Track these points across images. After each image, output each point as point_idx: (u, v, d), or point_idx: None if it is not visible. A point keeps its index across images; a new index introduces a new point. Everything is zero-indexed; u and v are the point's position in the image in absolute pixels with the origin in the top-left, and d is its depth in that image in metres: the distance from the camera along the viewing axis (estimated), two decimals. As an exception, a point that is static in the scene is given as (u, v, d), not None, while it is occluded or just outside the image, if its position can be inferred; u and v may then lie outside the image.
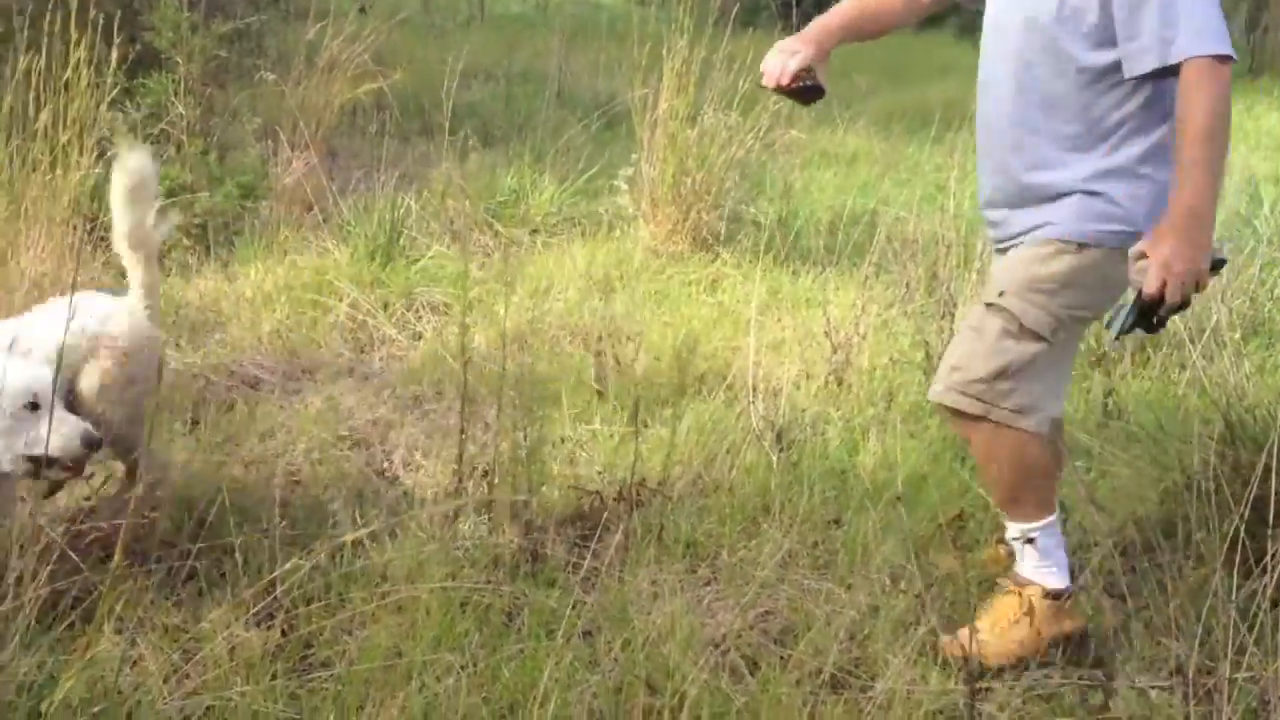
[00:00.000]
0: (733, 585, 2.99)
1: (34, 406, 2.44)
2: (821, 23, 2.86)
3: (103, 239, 4.61)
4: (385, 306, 4.71)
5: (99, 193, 4.76)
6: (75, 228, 4.43)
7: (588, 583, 2.88)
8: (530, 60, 9.56)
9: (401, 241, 5.21)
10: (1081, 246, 2.59)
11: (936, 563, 3.06)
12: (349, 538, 2.96)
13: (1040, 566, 2.73)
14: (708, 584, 3.05)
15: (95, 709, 2.08)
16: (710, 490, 3.45)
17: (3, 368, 2.43)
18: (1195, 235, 2.39)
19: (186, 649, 2.43)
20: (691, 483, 3.49)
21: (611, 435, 3.75)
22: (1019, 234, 2.71)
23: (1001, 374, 2.60)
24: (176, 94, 5.34)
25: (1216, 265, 2.49)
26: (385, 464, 3.57)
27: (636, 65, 5.82)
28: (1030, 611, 2.69)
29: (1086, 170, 2.59)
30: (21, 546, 2.23)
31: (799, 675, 2.54)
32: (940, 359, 2.87)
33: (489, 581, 2.82)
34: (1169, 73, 2.46)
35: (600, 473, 3.52)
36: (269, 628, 2.56)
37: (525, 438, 3.37)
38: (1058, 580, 2.74)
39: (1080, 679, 2.67)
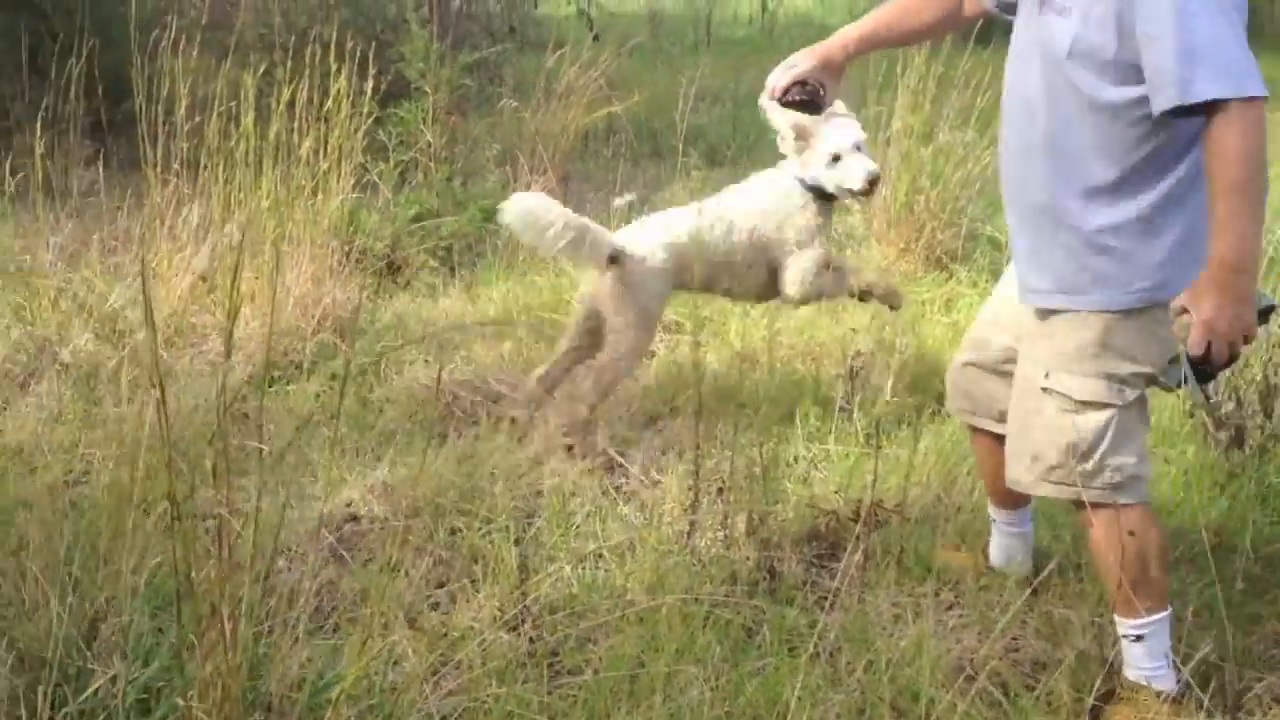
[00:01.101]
0: (977, 611, 2.91)
1: (837, 158, 3.62)
2: (840, 35, 2.94)
3: (358, 261, 4.87)
4: (619, 326, 4.77)
5: (354, 218, 5.03)
6: (333, 250, 4.69)
7: (826, 602, 2.86)
8: (756, 82, 9.55)
9: (634, 262, 5.29)
10: (1103, 314, 2.42)
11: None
12: (592, 549, 3.05)
13: (1150, 669, 2.52)
14: (950, 608, 2.98)
15: (364, 705, 2.19)
16: (951, 513, 3.37)
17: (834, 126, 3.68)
18: (1237, 290, 2.22)
19: (442, 651, 2.52)
20: (931, 504, 3.41)
21: (847, 455, 3.71)
22: (1036, 292, 2.52)
23: (1078, 454, 2.44)
24: (424, 122, 5.58)
25: (1265, 313, 2.31)
26: (623, 480, 3.63)
27: (871, 83, 5.76)
28: None
29: (1098, 223, 2.38)
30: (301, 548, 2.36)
31: (1055, 705, 2.45)
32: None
33: (728, 596, 2.83)
34: (1192, 111, 2.21)
35: (836, 492, 3.49)
36: (519, 634, 2.64)
37: (760, 455, 3.38)
38: (1168, 681, 2.51)
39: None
